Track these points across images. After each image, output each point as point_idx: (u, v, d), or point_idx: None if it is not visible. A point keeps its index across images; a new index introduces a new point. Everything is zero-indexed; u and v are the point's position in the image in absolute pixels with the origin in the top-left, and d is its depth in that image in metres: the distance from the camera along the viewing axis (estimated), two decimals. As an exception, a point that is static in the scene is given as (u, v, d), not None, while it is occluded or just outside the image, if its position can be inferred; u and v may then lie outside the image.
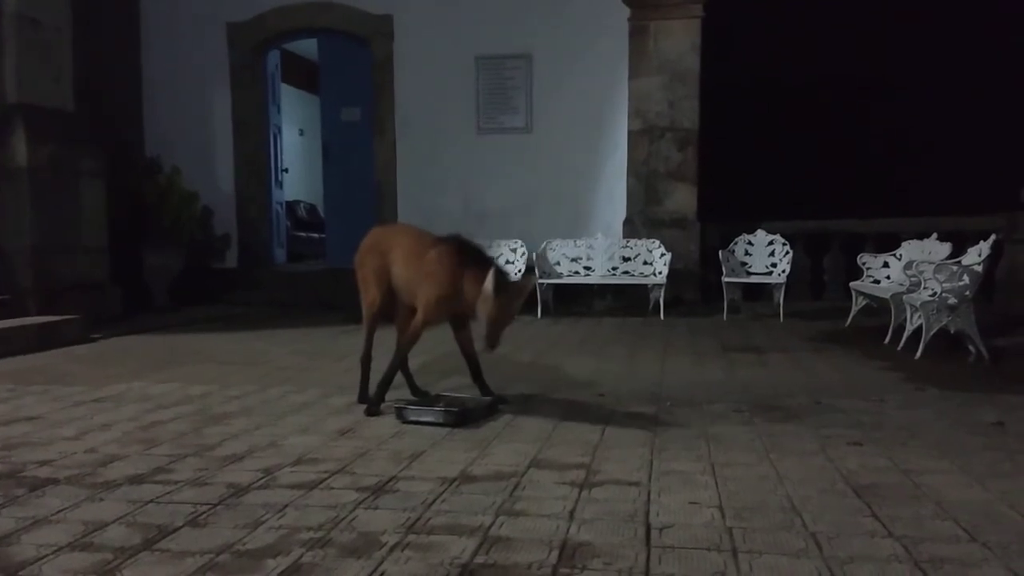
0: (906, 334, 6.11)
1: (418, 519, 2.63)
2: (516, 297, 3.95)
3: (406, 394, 4.38)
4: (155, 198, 9.27)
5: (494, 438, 3.64)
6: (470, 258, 3.98)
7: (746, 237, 8.87)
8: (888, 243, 8.33)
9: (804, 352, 6.23)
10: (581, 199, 9.62)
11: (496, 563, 2.29)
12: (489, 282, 3.77)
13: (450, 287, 3.97)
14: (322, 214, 12.74)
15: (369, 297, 4.36)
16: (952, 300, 5.70)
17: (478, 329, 4.02)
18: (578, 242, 9.16)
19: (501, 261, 9.16)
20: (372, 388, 4.30)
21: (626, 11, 9.26)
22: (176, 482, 3.04)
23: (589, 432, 3.75)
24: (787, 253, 8.66)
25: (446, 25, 9.68)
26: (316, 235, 13.18)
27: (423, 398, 4.33)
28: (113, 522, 2.62)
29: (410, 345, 4.24)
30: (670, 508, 2.72)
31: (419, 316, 4.11)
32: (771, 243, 8.79)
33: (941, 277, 5.73)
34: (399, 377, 4.38)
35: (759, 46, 10.78)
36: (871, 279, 7.71)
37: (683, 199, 9.36)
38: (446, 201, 9.72)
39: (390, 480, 3.05)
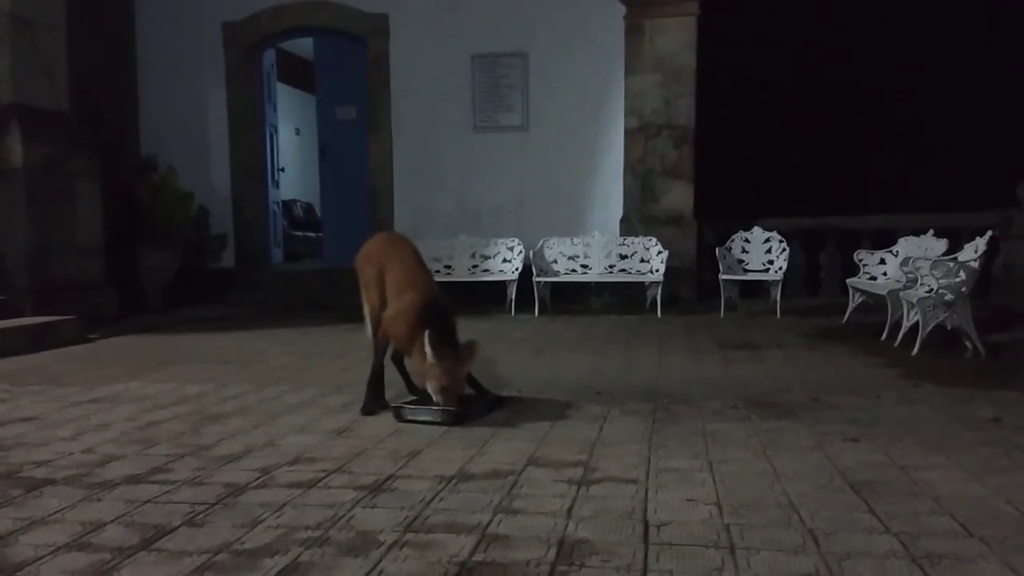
0: (903, 330, 6.11)
1: (416, 517, 2.63)
2: (463, 362, 3.89)
3: (403, 393, 4.38)
4: (149, 198, 9.24)
5: (491, 436, 3.64)
6: (431, 323, 3.87)
7: (743, 234, 8.87)
8: (885, 240, 8.36)
9: (801, 349, 6.24)
10: (578, 197, 9.62)
11: (494, 561, 2.28)
12: (427, 348, 3.75)
13: (405, 340, 3.99)
14: (319, 213, 12.74)
15: (370, 302, 4.37)
16: (948, 296, 5.71)
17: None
18: (575, 240, 9.17)
19: (512, 260, 9.19)
20: (387, 390, 4.33)
21: (622, 9, 9.27)
22: (174, 482, 3.03)
23: (586, 430, 3.75)
24: (784, 250, 8.67)
25: (442, 23, 9.68)
26: (313, 234, 13.16)
27: (420, 396, 4.32)
28: (111, 522, 2.62)
29: (381, 354, 4.24)
30: (668, 505, 2.72)
31: (380, 331, 4.18)
32: (768, 240, 8.79)
33: (938, 273, 5.74)
34: (397, 376, 4.40)
35: (755, 43, 10.79)
36: (868, 276, 7.72)
37: (680, 197, 9.38)
38: (442, 199, 9.74)
39: (388, 479, 3.04)
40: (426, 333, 3.78)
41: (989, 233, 6.14)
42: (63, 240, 7.75)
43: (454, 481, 3.00)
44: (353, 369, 5.20)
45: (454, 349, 3.89)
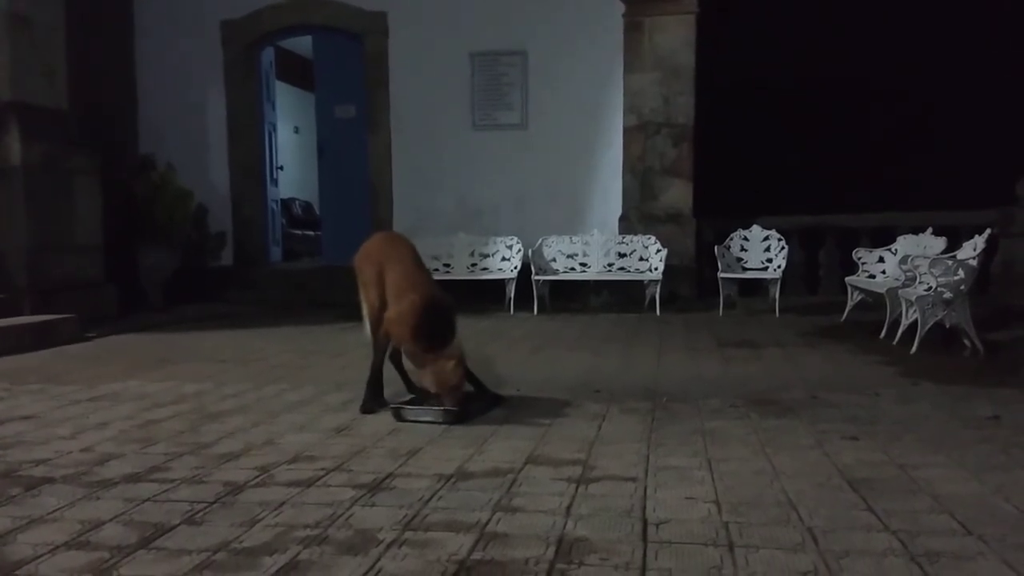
0: (901, 329, 6.12)
1: (415, 516, 2.63)
2: (447, 364, 3.88)
3: (402, 391, 4.38)
4: (148, 196, 9.23)
5: (490, 435, 3.64)
6: (428, 328, 3.90)
7: (742, 232, 8.87)
8: (883, 238, 8.36)
9: (799, 347, 6.24)
10: (577, 195, 9.62)
11: (493, 559, 2.29)
12: (405, 363, 3.80)
13: (407, 342, 4.01)
14: (318, 211, 12.74)
15: (369, 302, 4.37)
16: (947, 294, 5.71)
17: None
18: (574, 238, 9.17)
19: (511, 258, 9.18)
20: (386, 388, 4.33)
21: (621, 7, 9.26)
22: (172, 480, 3.03)
23: (585, 428, 3.75)
24: (782, 248, 8.67)
25: (441, 21, 9.68)
26: (312, 232, 13.16)
27: (418, 395, 4.32)
28: (110, 521, 2.62)
29: (381, 352, 4.25)
30: (667, 503, 2.72)
31: (380, 331, 4.19)
32: (767, 238, 8.79)
33: (936, 271, 5.74)
34: (396, 375, 4.41)
35: (754, 41, 10.78)
36: (866, 274, 7.72)
37: (679, 195, 9.37)
38: (441, 197, 9.74)
39: (387, 477, 3.05)
40: (402, 349, 3.79)
41: (988, 231, 6.14)
42: (62, 239, 7.75)
43: (453, 479, 3.01)
44: (352, 367, 5.20)
45: (438, 352, 3.87)
